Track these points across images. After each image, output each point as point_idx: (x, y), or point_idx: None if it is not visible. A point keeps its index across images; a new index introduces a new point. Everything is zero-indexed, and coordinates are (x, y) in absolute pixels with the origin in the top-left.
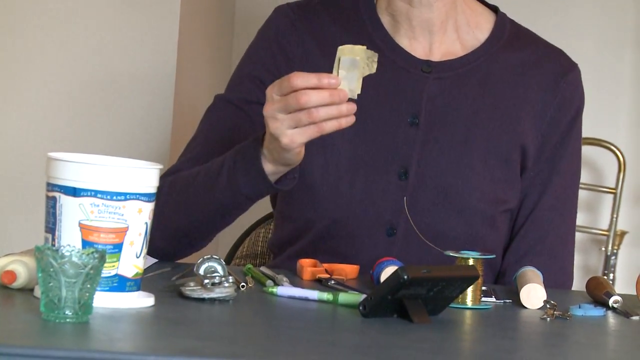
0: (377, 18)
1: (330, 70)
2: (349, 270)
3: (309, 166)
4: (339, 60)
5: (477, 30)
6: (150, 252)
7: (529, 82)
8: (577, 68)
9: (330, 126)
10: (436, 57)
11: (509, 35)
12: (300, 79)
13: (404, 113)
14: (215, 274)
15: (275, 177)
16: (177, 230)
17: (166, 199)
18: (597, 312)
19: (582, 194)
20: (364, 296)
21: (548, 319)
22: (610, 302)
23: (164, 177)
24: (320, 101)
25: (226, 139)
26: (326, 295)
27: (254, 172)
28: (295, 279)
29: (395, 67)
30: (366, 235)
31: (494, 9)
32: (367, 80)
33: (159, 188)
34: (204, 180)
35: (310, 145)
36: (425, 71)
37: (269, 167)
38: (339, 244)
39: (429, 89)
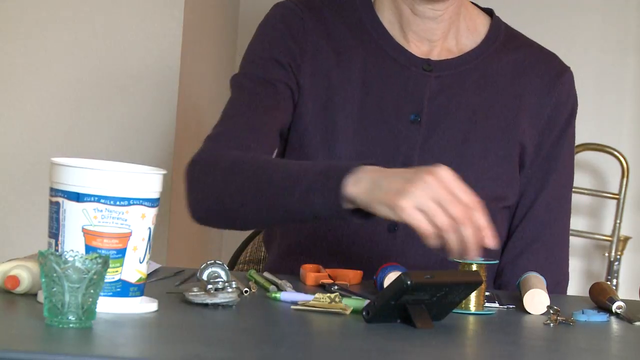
0: (375, 16)
1: (337, 65)
2: (352, 276)
3: (313, 160)
4: None
5: (475, 33)
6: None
7: (525, 82)
8: (570, 70)
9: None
10: (434, 56)
11: (504, 38)
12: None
13: (405, 111)
14: (219, 280)
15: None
16: (229, 211)
17: (230, 177)
18: (601, 317)
19: (585, 200)
20: (367, 301)
21: (551, 324)
22: (614, 307)
23: (216, 144)
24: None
25: (265, 110)
26: None
27: (333, 200)
28: (299, 285)
29: (396, 65)
30: (367, 230)
31: (489, 12)
32: (369, 78)
33: (213, 157)
34: (281, 182)
35: (315, 140)
36: (426, 69)
37: (353, 192)
38: (340, 240)
39: (430, 88)
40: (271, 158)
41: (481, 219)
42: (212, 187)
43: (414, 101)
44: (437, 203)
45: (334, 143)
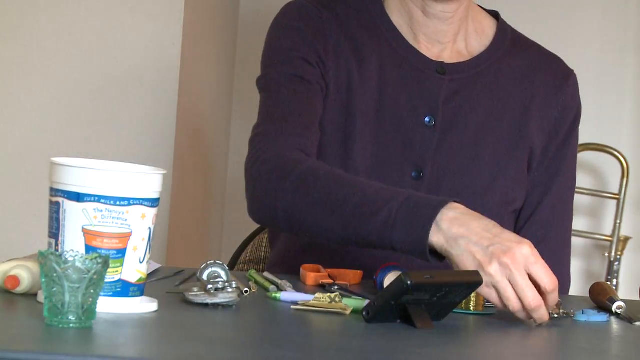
0: (387, 16)
1: (357, 66)
2: (352, 276)
3: (330, 161)
4: None
5: (483, 36)
6: (261, 213)
7: (533, 85)
8: (575, 73)
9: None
10: (446, 58)
11: (511, 41)
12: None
13: (420, 114)
14: (219, 280)
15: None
16: (297, 223)
17: (302, 189)
18: (601, 317)
19: (586, 200)
20: (367, 301)
21: (554, 314)
22: (614, 307)
23: (275, 145)
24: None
25: (308, 106)
26: None
27: (416, 240)
28: (299, 285)
29: (411, 67)
30: None
31: (495, 15)
32: (385, 79)
33: (279, 159)
34: (359, 205)
35: (334, 140)
36: (440, 72)
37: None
38: None
39: (445, 91)
40: (343, 173)
41: (553, 300)
42: (282, 194)
43: (429, 104)
44: (511, 285)
45: (352, 144)
